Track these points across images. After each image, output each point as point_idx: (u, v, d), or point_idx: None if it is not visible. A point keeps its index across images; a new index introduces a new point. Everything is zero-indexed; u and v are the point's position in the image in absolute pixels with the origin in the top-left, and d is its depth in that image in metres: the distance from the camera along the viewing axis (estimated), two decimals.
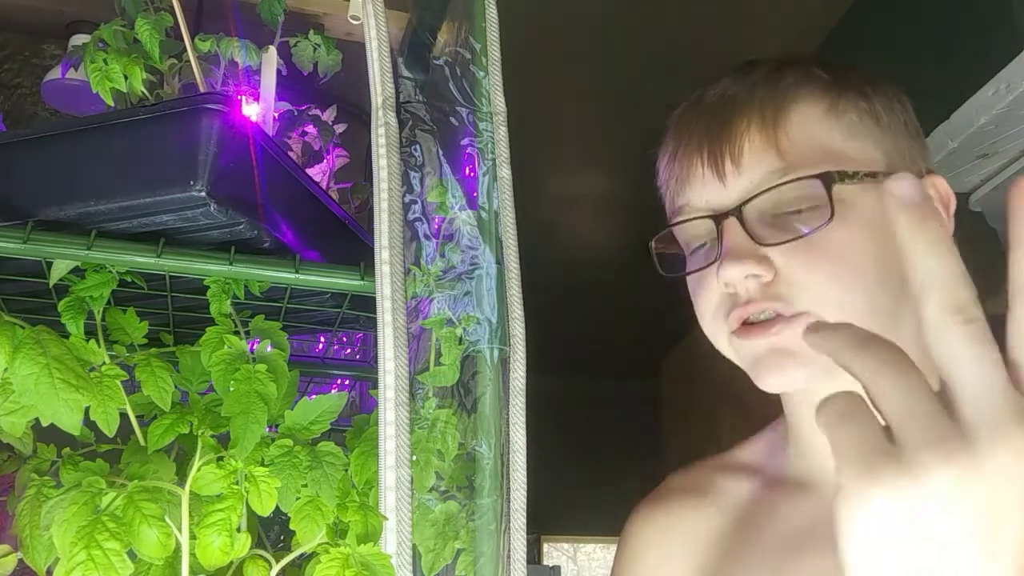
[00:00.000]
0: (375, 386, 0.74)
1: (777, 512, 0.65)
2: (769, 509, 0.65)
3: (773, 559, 0.62)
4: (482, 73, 0.85)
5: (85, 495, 0.63)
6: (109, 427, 0.66)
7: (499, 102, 0.85)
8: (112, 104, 0.86)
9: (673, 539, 0.71)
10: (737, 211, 0.58)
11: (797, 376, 0.57)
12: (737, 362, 0.62)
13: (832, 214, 0.55)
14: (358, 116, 1.35)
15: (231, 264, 0.74)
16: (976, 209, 1.54)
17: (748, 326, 0.58)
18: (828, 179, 0.56)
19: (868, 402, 0.35)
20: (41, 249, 0.69)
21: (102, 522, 0.62)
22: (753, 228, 0.57)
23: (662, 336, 4.40)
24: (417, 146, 0.83)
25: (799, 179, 0.56)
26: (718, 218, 0.59)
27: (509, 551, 0.74)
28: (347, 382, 1.05)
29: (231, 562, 0.68)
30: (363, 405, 1.09)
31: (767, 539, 0.64)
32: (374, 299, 0.75)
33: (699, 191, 0.61)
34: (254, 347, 0.75)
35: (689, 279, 0.64)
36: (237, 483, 0.68)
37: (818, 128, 0.59)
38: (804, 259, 0.56)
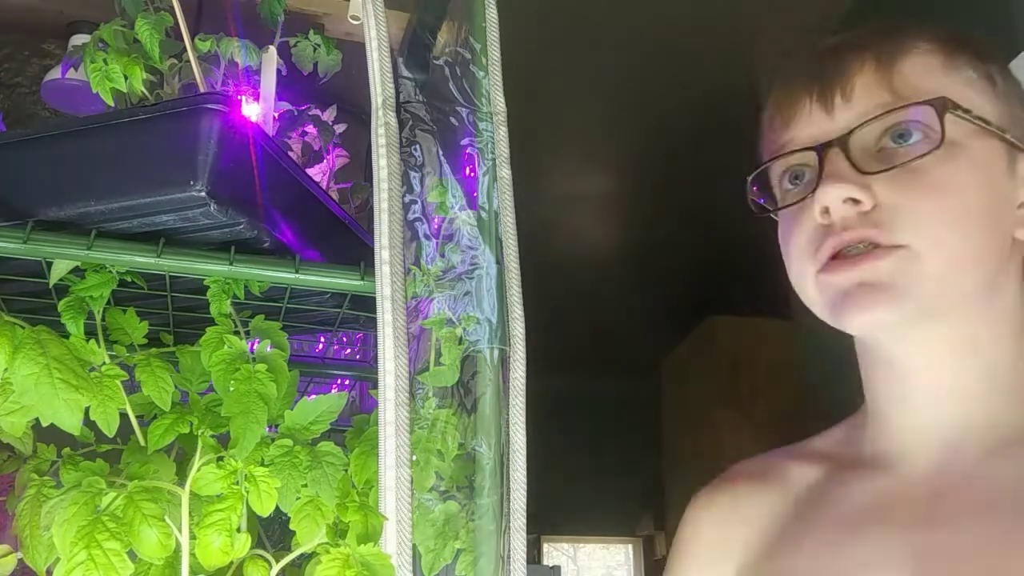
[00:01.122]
0: (375, 386, 0.74)
1: (843, 492, 0.62)
2: (835, 490, 0.63)
3: (834, 537, 0.60)
4: (482, 73, 0.85)
5: (85, 495, 0.63)
6: (109, 427, 0.66)
7: (499, 102, 0.85)
8: (112, 104, 0.86)
9: (730, 523, 0.68)
10: (842, 140, 0.56)
11: (887, 315, 0.54)
12: (820, 307, 0.58)
13: (943, 139, 0.53)
14: (358, 116, 1.35)
15: (231, 264, 0.74)
16: None
17: (839, 259, 0.55)
18: (941, 104, 0.54)
19: None
20: (41, 249, 0.69)
21: (102, 522, 0.62)
22: (857, 158, 0.55)
23: (662, 336, 4.41)
24: (417, 146, 0.83)
25: (911, 105, 0.55)
26: (821, 148, 0.56)
27: (509, 551, 0.74)
28: (347, 382, 1.05)
29: (231, 562, 0.68)
30: (363, 405, 1.09)
31: (829, 517, 0.61)
32: (374, 299, 0.75)
33: (804, 126, 0.59)
34: (254, 347, 0.75)
35: (781, 221, 0.61)
36: (237, 483, 0.68)
37: (934, 76, 0.57)
38: (908, 189, 0.54)
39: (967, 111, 0.55)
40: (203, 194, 0.68)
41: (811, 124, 0.58)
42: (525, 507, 0.75)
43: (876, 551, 0.56)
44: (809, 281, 0.58)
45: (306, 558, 0.70)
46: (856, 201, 0.54)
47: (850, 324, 0.56)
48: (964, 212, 0.54)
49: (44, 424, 0.64)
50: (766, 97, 0.65)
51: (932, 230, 0.53)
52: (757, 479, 0.69)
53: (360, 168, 1.32)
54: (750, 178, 0.63)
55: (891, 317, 0.54)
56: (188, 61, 0.92)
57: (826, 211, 0.55)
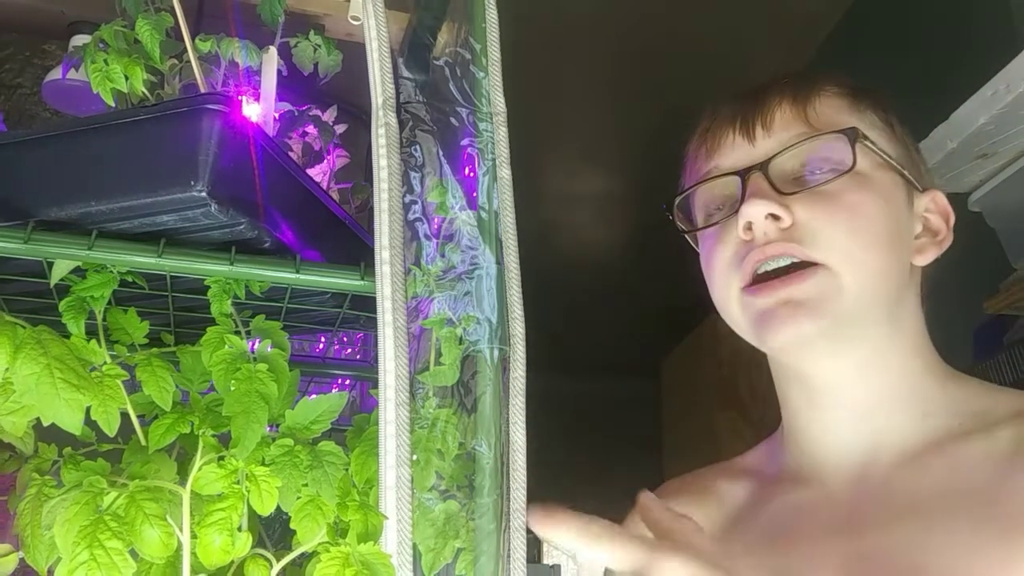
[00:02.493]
0: (375, 386, 0.74)
1: (771, 506, 0.66)
2: (763, 505, 0.67)
3: (766, 547, 0.63)
4: (482, 73, 0.85)
5: (87, 495, 0.63)
6: (110, 427, 0.66)
7: (499, 102, 0.85)
8: (113, 104, 0.86)
9: None
10: (762, 165, 0.61)
11: (808, 330, 0.58)
12: (743, 325, 0.62)
13: (854, 163, 0.59)
14: (358, 116, 1.35)
15: (232, 264, 0.74)
16: (975, 209, 1.54)
17: (761, 280, 0.59)
18: (853, 134, 0.60)
19: None
20: (42, 249, 0.69)
21: (104, 521, 0.62)
22: (776, 181, 0.60)
23: (662, 336, 4.40)
24: (417, 146, 0.83)
25: (827, 133, 0.60)
26: (744, 172, 0.61)
27: (509, 550, 0.74)
28: (347, 382, 1.05)
29: (232, 561, 0.68)
30: (363, 405, 1.09)
31: (759, 530, 0.65)
32: (374, 299, 0.75)
33: (728, 154, 0.64)
34: (255, 347, 0.75)
35: (704, 243, 0.66)
36: (238, 482, 0.68)
37: (843, 114, 0.63)
38: (823, 211, 0.58)
39: (874, 143, 0.62)
40: (204, 194, 0.68)
41: (734, 152, 0.64)
42: (525, 507, 0.76)
43: (807, 560, 0.60)
44: (733, 300, 0.62)
45: (307, 557, 0.70)
46: (776, 217, 0.58)
47: (774, 340, 0.59)
48: (873, 234, 0.59)
49: (45, 424, 0.64)
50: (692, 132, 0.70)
51: (846, 249, 0.58)
52: (692, 495, 0.73)
53: (360, 168, 1.32)
54: (676, 202, 0.68)
55: (812, 332, 0.58)
56: (189, 61, 0.92)
57: (749, 227, 0.59)
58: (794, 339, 0.59)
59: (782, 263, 0.59)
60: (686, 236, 0.69)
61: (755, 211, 0.59)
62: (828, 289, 0.58)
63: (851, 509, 0.60)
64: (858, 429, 0.63)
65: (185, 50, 0.92)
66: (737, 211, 0.60)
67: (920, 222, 0.65)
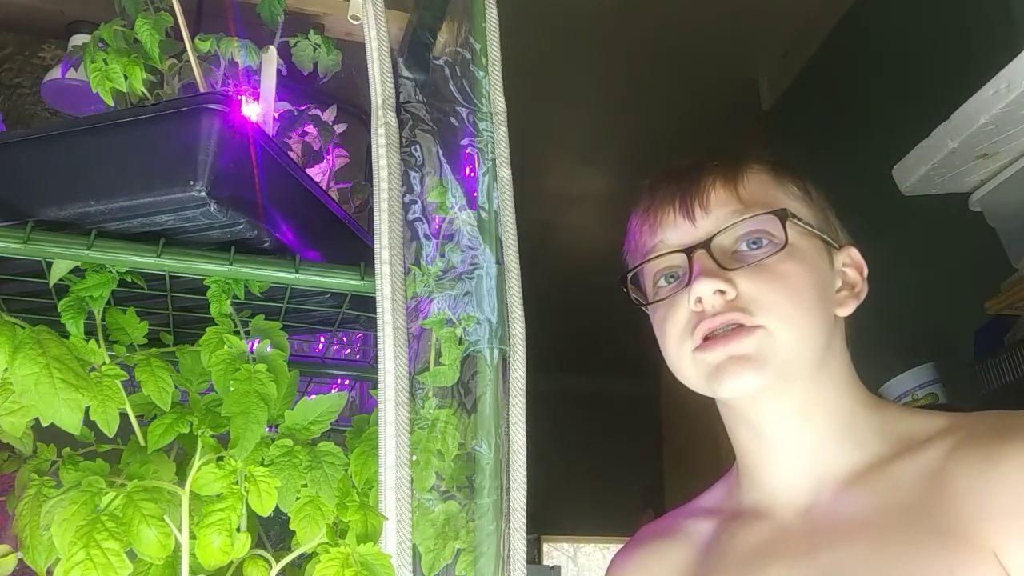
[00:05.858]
0: (375, 386, 0.74)
1: (735, 540, 0.74)
2: (728, 539, 0.75)
3: (735, 574, 0.72)
4: (482, 73, 0.85)
5: (85, 495, 0.63)
6: (109, 427, 0.66)
7: (499, 102, 0.85)
8: (112, 104, 0.86)
9: (648, 573, 0.80)
10: (706, 244, 0.69)
11: (754, 380, 0.67)
12: (695, 379, 0.71)
13: (786, 241, 0.68)
14: (358, 116, 1.35)
15: (231, 264, 0.74)
16: (976, 209, 1.54)
17: (710, 340, 0.68)
18: (783, 214, 0.70)
19: None
20: (41, 249, 0.69)
21: (102, 522, 0.62)
22: (719, 258, 0.69)
23: None
24: (417, 146, 0.83)
25: (760, 214, 0.69)
26: (690, 250, 0.70)
27: (509, 551, 0.74)
28: (347, 382, 1.05)
29: (231, 562, 0.68)
30: (363, 405, 1.09)
31: (729, 562, 0.73)
32: (374, 299, 0.75)
33: (671, 232, 0.72)
34: (254, 347, 0.75)
35: (657, 312, 0.74)
36: (237, 483, 0.68)
37: (768, 188, 0.73)
38: (761, 281, 0.68)
39: (798, 219, 0.71)
40: (203, 194, 0.68)
41: (677, 230, 0.72)
42: (525, 507, 0.75)
43: None
44: (686, 360, 0.70)
45: (306, 558, 0.70)
46: (723, 292, 0.67)
47: (724, 390, 0.68)
48: (804, 297, 0.68)
49: (44, 424, 0.64)
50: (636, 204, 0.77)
51: (782, 312, 0.67)
52: (664, 537, 0.81)
53: (360, 168, 1.32)
54: (628, 276, 0.77)
55: (757, 382, 0.67)
56: (188, 61, 0.92)
57: (699, 301, 0.68)
58: (743, 388, 0.67)
59: (728, 329, 0.68)
60: (638, 304, 0.78)
61: (704, 288, 0.67)
62: (767, 346, 0.66)
63: (806, 534, 0.68)
64: (804, 463, 0.71)
65: (184, 50, 0.92)
66: (687, 285, 0.69)
67: (839, 277, 0.74)
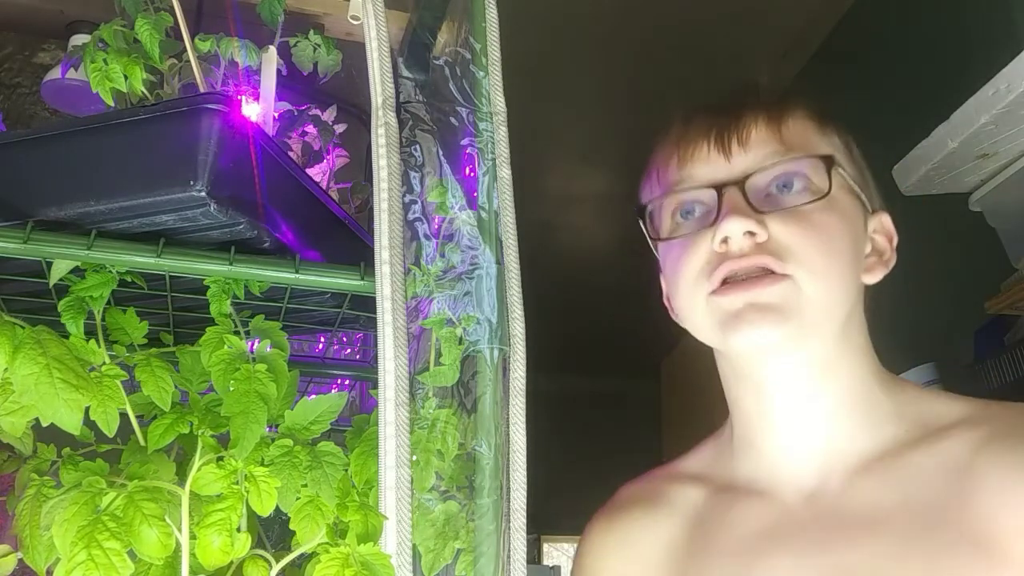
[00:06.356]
0: (375, 386, 0.74)
1: (731, 518, 0.67)
2: (722, 515, 0.68)
3: (739, 563, 0.65)
4: (482, 73, 0.85)
5: (85, 495, 0.63)
6: (109, 427, 0.66)
7: (499, 102, 0.85)
8: (112, 104, 0.86)
9: (635, 548, 0.73)
10: (740, 182, 0.63)
11: (773, 333, 0.60)
12: (706, 328, 0.65)
13: (830, 189, 0.62)
14: (358, 116, 1.35)
15: (231, 264, 0.74)
16: (976, 209, 1.53)
17: (730, 284, 0.62)
18: (829, 161, 0.64)
19: None
20: (41, 249, 0.69)
21: (102, 522, 0.62)
22: (752, 198, 0.63)
23: (662, 336, 4.40)
24: (417, 146, 0.83)
25: (804, 157, 0.64)
26: (721, 187, 0.63)
27: (509, 551, 0.74)
28: (347, 382, 1.05)
29: (231, 562, 0.68)
30: (363, 405, 1.08)
31: (724, 545, 0.66)
32: (374, 299, 0.75)
33: (702, 167, 0.66)
34: (254, 347, 0.75)
35: (672, 250, 0.67)
36: (237, 483, 0.68)
37: (811, 134, 0.67)
38: (796, 229, 0.62)
39: (844, 169, 0.66)
40: (203, 194, 0.67)
41: (709, 165, 0.65)
42: (525, 507, 0.75)
43: None
44: (699, 304, 0.64)
45: (306, 558, 0.70)
46: (753, 234, 0.61)
47: (738, 340, 0.62)
48: (837, 252, 0.63)
49: (44, 424, 0.64)
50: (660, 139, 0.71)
51: (814, 264, 0.61)
52: (647, 503, 0.74)
53: (360, 168, 1.32)
54: (646, 208, 0.69)
55: (777, 335, 0.61)
56: (188, 61, 0.92)
57: (725, 240, 0.62)
58: (759, 341, 0.61)
59: (753, 272, 0.62)
60: (649, 240, 0.71)
61: (734, 228, 0.61)
62: (792, 298, 0.61)
63: (815, 524, 0.62)
64: (812, 439, 0.65)
65: (184, 50, 0.92)
66: (712, 223, 0.62)
67: (869, 243, 0.68)
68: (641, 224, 0.70)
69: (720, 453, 0.73)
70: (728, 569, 0.65)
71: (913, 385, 0.68)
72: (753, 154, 0.64)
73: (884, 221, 0.70)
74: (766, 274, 0.61)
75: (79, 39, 1.21)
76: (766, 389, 0.66)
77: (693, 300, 0.65)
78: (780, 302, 0.60)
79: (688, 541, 0.69)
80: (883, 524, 0.59)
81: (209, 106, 0.70)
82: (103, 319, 0.73)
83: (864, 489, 0.62)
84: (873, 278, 0.67)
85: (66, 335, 0.69)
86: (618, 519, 0.75)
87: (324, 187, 1.17)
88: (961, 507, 0.57)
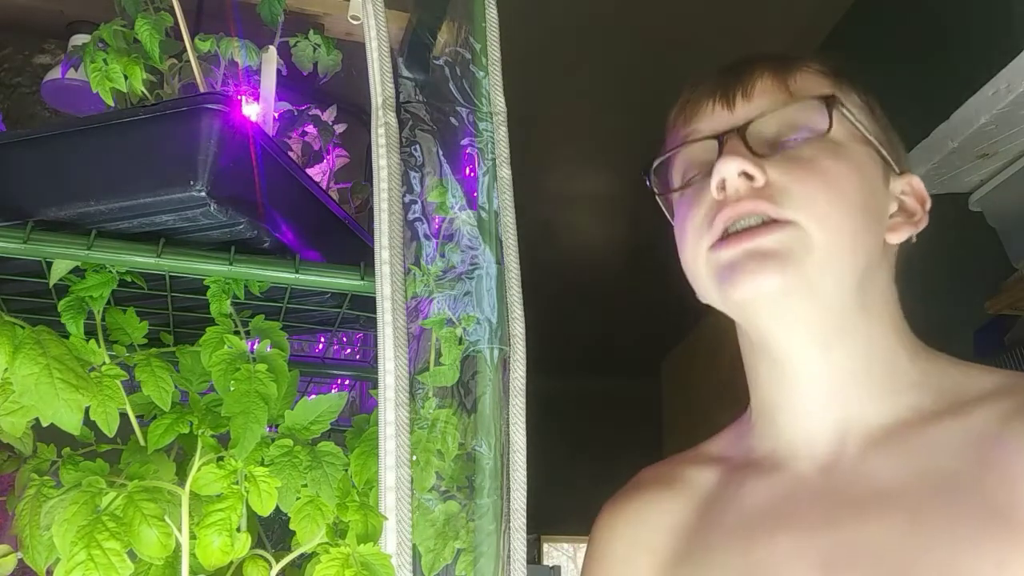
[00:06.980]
0: (375, 386, 0.74)
1: (741, 494, 0.64)
2: (734, 493, 0.65)
3: (742, 539, 0.61)
4: (482, 73, 0.85)
5: (85, 495, 0.63)
6: (109, 427, 0.66)
7: (499, 102, 0.85)
8: (112, 104, 0.86)
9: (642, 530, 0.70)
10: (740, 129, 0.60)
11: (772, 281, 0.56)
12: (708, 284, 0.61)
13: (831, 126, 0.59)
14: (358, 116, 1.35)
15: (231, 264, 0.74)
16: (976, 209, 1.54)
17: (730, 237, 0.59)
18: (832, 100, 0.60)
19: None
20: (41, 249, 0.69)
21: (102, 522, 0.62)
22: (753, 143, 0.60)
23: (662, 336, 4.40)
24: (417, 146, 0.83)
25: (805, 99, 0.61)
26: (722, 136, 0.61)
27: (509, 551, 0.74)
28: (347, 382, 1.05)
29: (231, 562, 0.68)
30: (363, 405, 1.09)
31: (732, 521, 0.63)
32: (374, 299, 0.75)
33: (706, 121, 0.64)
34: (254, 347, 0.75)
35: (679, 208, 0.65)
36: (237, 483, 0.68)
37: (823, 85, 0.63)
38: (797, 173, 0.59)
39: (850, 110, 0.62)
40: (203, 194, 0.67)
41: (712, 119, 0.63)
42: (525, 507, 0.75)
43: (783, 555, 0.58)
44: (700, 260, 0.61)
45: (306, 558, 0.70)
46: (750, 177, 0.58)
47: (736, 292, 0.58)
48: (845, 199, 0.58)
49: (44, 424, 0.64)
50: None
51: (818, 208, 0.57)
52: (664, 485, 0.71)
53: (360, 168, 1.32)
54: (654, 166, 0.67)
55: (777, 285, 0.57)
56: (188, 61, 0.92)
57: (722, 185, 0.59)
58: (758, 291, 0.57)
59: (752, 221, 0.58)
60: (661, 203, 0.69)
61: (729, 168, 0.58)
62: (796, 243, 0.57)
63: (825, 498, 0.59)
64: (828, 407, 0.61)
65: (184, 50, 0.92)
66: (711, 171, 0.60)
67: (895, 203, 0.64)
68: (649, 185, 0.68)
69: (741, 434, 0.70)
70: (731, 548, 0.62)
71: (947, 357, 0.64)
72: (757, 103, 0.62)
73: (914, 183, 0.65)
74: (767, 223, 0.58)
75: (79, 39, 1.21)
76: (779, 353, 0.62)
77: (696, 256, 0.62)
78: (779, 247, 0.57)
79: (697, 522, 0.67)
80: (898, 498, 0.55)
81: (209, 106, 0.70)
82: (103, 319, 0.73)
83: (881, 461, 0.58)
84: (898, 236, 0.63)
85: (66, 335, 0.69)
86: (629, 502, 0.73)
87: (324, 187, 1.17)
88: (982, 477, 0.53)
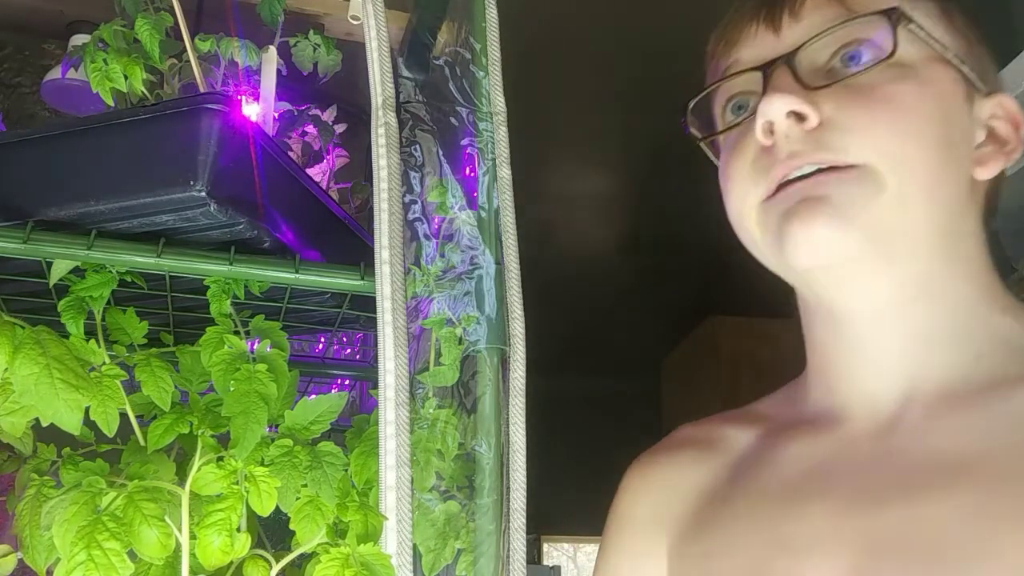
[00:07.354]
0: (375, 386, 0.74)
1: (780, 457, 0.56)
2: (772, 455, 0.57)
3: (773, 508, 0.53)
4: (482, 73, 0.85)
5: (85, 495, 0.63)
6: (109, 427, 0.66)
7: (499, 102, 0.85)
8: (112, 104, 0.86)
9: (666, 495, 0.63)
10: (788, 57, 0.50)
11: (831, 231, 0.47)
12: (764, 244, 0.52)
13: (895, 49, 0.49)
14: (358, 116, 1.35)
15: (231, 264, 0.74)
16: None
17: (785, 186, 0.49)
18: (896, 15, 0.49)
19: None
20: (41, 249, 0.69)
21: (102, 522, 0.62)
22: (803, 74, 0.50)
23: (662, 336, 4.40)
24: (417, 146, 0.83)
25: (862, 15, 0.50)
26: (767, 66, 0.51)
27: (509, 551, 0.74)
28: (347, 382, 1.05)
29: (231, 562, 0.68)
30: (363, 405, 1.09)
31: (765, 486, 0.55)
32: (374, 299, 0.75)
33: (749, 48, 0.54)
34: (254, 347, 0.75)
35: (723, 153, 0.56)
36: (237, 483, 0.68)
37: (888, 1, 0.52)
38: (858, 106, 0.49)
39: (918, 25, 0.51)
40: (203, 194, 0.68)
41: (756, 45, 0.54)
42: (525, 507, 0.75)
43: (816, 532, 0.49)
44: (751, 215, 0.52)
45: (306, 558, 0.70)
46: (801, 117, 0.49)
47: (794, 248, 0.49)
48: (920, 131, 0.49)
49: (44, 424, 0.64)
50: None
51: (888, 146, 0.48)
52: (693, 445, 0.64)
53: (360, 168, 1.32)
54: (691, 105, 0.58)
55: (837, 237, 0.47)
56: (188, 61, 0.92)
57: (769, 128, 0.50)
58: (815, 244, 0.48)
59: (808, 169, 0.49)
60: (706, 149, 0.59)
61: (774, 108, 0.48)
62: (863, 187, 0.48)
63: (876, 467, 0.50)
64: (896, 366, 0.52)
65: (184, 50, 0.92)
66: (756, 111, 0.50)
67: (983, 130, 0.54)
68: (687, 130, 0.58)
69: (792, 395, 0.61)
70: (758, 518, 0.53)
71: None
72: (807, 23, 0.51)
73: (1006, 104, 0.55)
74: (826, 170, 0.48)
75: (79, 39, 1.21)
76: (843, 323, 0.53)
77: (743, 208, 0.53)
78: (843, 194, 0.47)
79: (727, 485, 0.58)
80: (964, 474, 0.46)
81: (209, 106, 0.70)
82: (103, 319, 0.73)
83: (949, 428, 0.48)
84: (988, 172, 0.53)
85: (66, 335, 0.69)
86: (656, 464, 0.66)
87: (324, 187, 1.17)
88: None
